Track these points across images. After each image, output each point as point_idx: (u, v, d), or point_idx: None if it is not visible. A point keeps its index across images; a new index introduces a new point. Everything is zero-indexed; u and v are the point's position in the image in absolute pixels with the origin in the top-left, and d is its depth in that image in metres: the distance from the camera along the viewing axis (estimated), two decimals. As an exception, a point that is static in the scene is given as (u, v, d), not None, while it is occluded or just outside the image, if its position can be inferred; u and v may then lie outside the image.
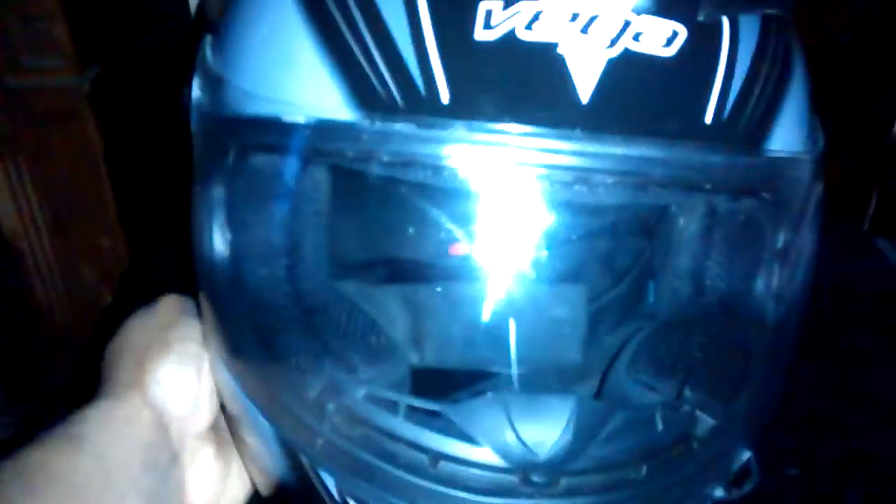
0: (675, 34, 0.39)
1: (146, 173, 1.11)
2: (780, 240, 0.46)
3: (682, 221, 0.52)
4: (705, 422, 0.46)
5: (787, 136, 0.43)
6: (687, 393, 0.48)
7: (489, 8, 0.38)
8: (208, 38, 0.47)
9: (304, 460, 0.43)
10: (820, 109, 0.47)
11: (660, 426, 0.44)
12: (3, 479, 0.40)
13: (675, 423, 0.45)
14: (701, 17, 0.40)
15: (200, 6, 1.21)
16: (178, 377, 0.46)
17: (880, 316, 0.80)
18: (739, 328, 0.49)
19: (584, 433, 0.42)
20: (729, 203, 0.50)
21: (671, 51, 0.39)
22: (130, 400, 0.45)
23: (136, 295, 0.74)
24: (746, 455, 0.46)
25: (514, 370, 0.48)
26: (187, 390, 0.47)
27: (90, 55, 0.93)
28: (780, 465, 0.63)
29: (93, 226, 1.03)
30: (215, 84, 0.43)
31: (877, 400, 0.72)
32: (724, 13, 0.41)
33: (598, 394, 0.51)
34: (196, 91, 0.45)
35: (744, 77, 0.40)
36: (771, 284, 0.47)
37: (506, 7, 0.38)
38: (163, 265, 0.77)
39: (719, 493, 0.45)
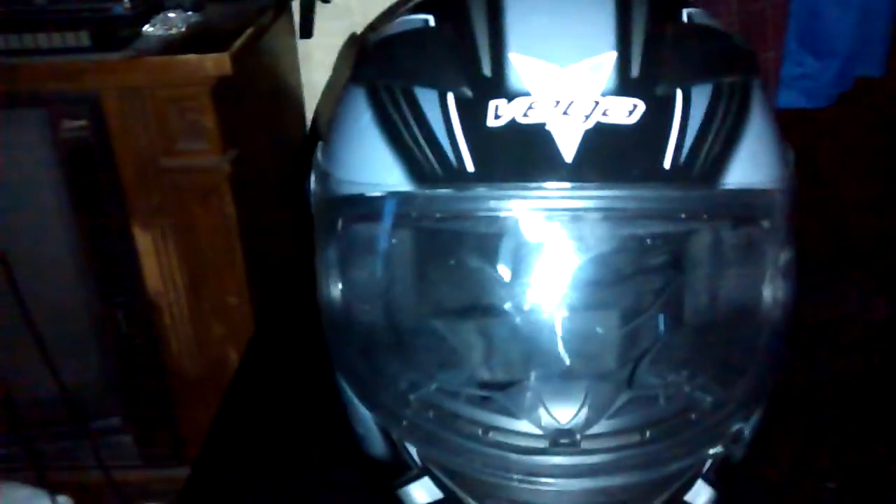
0: (635, 107, 0.53)
1: (273, 239, 1.29)
2: (766, 254, 0.59)
3: (689, 250, 0.64)
4: (703, 400, 0.59)
5: (744, 172, 0.55)
6: (690, 379, 0.61)
7: (497, 104, 0.53)
8: (320, 144, 0.65)
9: (395, 436, 0.59)
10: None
11: (661, 402, 0.58)
12: None
13: (676, 401, 0.59)
14: (658, 92, 0.54)
15: (314, 120, 1.43)
16: None
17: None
18: (735, 329, 0.61)
19: (597, 407, 0.56)
20: (727, 231, 0.62)
21: (633, 119, 0.53)
22: None
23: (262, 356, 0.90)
24: (739, 425, 0.58)
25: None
26: None
27: (230, 140, 1.10)
28: (818, 479, 0.71)
29: (224, 286, 1.18)
30: (323, 177, 0.61)
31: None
32: (678, 88, 0.54)
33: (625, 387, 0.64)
34: (312, 183, 0.63)
35: (696, 132, 0.54)
36: (759, 292, 0.59)
37: (508, 102, 0.53)
38: (279, 333, 0.94)
39: (717, 450, 0.57)
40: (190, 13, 1.15)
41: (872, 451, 0.75)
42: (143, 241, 1.14)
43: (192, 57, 1.05)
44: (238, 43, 1.09)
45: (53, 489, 1.23)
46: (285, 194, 1.34)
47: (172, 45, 1.08)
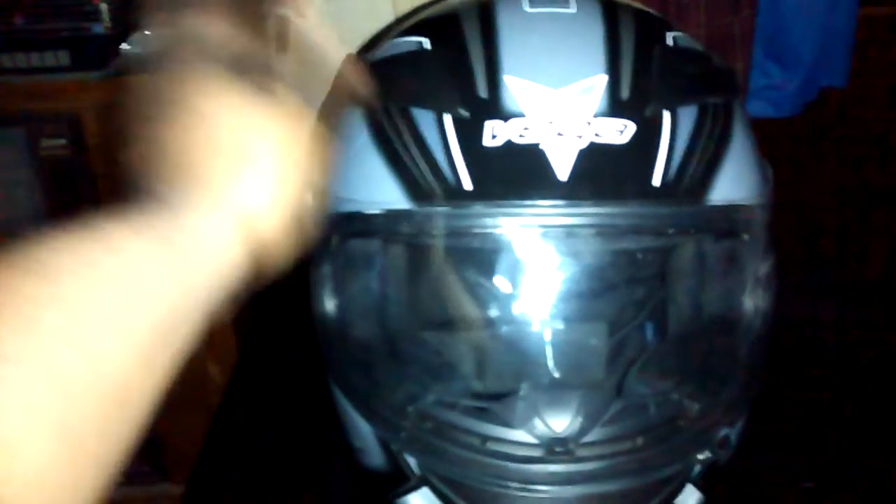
0: (625, 127, 0.55)
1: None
2: (746, 267, 0.62)
3: (676, 264, 0.67)
4: (691, 407, 0.61)
5: (728, 188, 0.58)
6: (678, 387, 0.63)
7: (493, 125, 0.55)
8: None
9: (394, 448, 0.60)
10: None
11: (652, 410, 0.60)
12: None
13: (665, 408, 0.61)
14: (646, 114, 0.56)
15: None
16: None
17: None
18: (719, 338, 0.64)
19: (590, 416, 0.58)
20: (712, 245, 0.65)
21: (624, 139, 0.55)
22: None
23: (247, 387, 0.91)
24: (725, 431, 0.60)
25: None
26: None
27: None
28: (796, 479, 0.74)
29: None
30: (320, 194, 0.62)
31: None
32: (665, 109, 0.57)
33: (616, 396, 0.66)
34: (309, 199, 0.64)
35: (683, 151, 0.56)
36: (742, 302, 0.62)
37: (504, 123, 0.55)
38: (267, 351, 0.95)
39: (705, 455, 0.59)
40: (169, 32, 1.15)
41: (849, 452, 0.78)
42: (124, 258, 1.14)
43: (172, 75, 1.05)
44: (218, 60, 1.10)
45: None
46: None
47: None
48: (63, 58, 1.04)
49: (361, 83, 0.63)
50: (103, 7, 1.05)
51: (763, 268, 0.62)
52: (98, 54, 1.06)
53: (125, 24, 1.11)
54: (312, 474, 0.77)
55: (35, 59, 1.04)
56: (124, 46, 1.10)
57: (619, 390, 0.62)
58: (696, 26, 1.23)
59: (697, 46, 0.64)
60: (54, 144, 1.08)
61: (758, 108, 1.34)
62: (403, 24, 0.67)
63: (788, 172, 1.33)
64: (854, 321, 0.95)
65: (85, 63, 1.05)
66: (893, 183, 1.47)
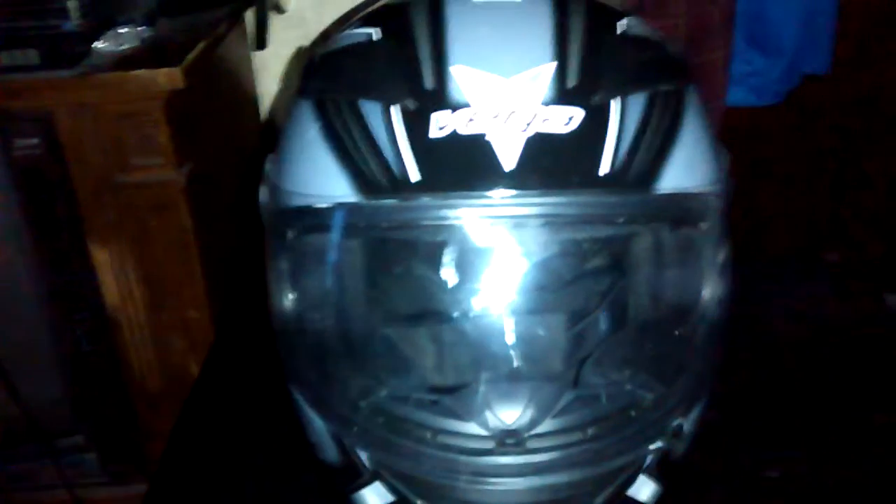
0: (572, 116, 0.55)
1: (231, 251, 1.29)
2: (701, 256, 0.61)
3: (628, 253, 0.66)
4: (644, 397, 0.61)
5: (678, 177, 0.57)
6: (632, 377, 0.63)
7: (439, 116, 0.55)
8: (270, 157, 0.66)
9: (346, 443, 0.60)
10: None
11: (604, 401, 0.60)
12: None
13: (618, 399, 0.61)
14: (594, 102, 0.56)
15: (265, 131, 1.42)
16: None
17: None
18: (674, 327, 0.63)
19: (541, 408, 0.58)
20: (665, 234, 0.64)
21: (571, 128, 0.55)
22: None
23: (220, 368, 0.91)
24: (678, 421, 0.60)
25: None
26: None
27: (185, 154, 1.09)
28: (760, 468, 0.73)
29: (183, 300, 1.16)
30: (273, 189, 0.62)
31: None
32: (614, 97, 0.56)
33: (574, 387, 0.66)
34: (263, 195, 0.64)
35: (631, 139, 0.56)
36: (698, 291, 0.62)
37: (452, 113, 0.55)
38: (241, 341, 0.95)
39: (657, 445, 0.59)
40: (142, 28, 1.14)
41: (812, 441, 0.77)
42: (101, 257, 1.14)
43: (143, 72, 1.05)
44: (191, 56, 1.09)
45: (17, 510, 1.22)
46: (242, 206, 1.35)
47: (124, 61, 1.08)
48: (33, 56, 1.03)
49: (311, 76, 0.63)
50: (72, 4, 1.05)
51: (718, 256, 0.61)
52: (69, 52, 1.06)
53: (96, 21, 1.11)
54: (276, 470, 0.76)
55: (5, 58, 1.03)
56: (96, 44, 1.10)
57: (571, 381, 0.62)
58: (675, 15, 1.23)
59: (651, 34, 0.63)
60: (27, 144, 1.08)
61: (739, 95, 1.34)
62: (357, 15, 0.67)
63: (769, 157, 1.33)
64: (820, 308, 0.95)
65: (56, 61, 1.04)
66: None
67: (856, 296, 0.98)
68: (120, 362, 1.20)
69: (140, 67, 1.05)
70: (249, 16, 1.37)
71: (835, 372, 0.86)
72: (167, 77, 1.05)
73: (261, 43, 1.36)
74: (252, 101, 1.46)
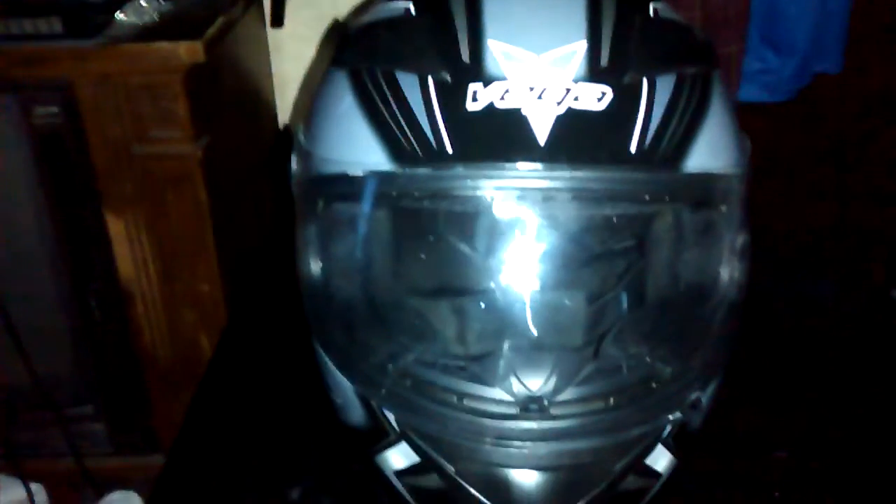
0: (604, 94, 0.56)
1: (244, 228, 1.31)
2: (722, 237, 0.63)
3: (652, 230, 0.68)
4: (663, 370, 0.63)
5: (704, 158, 0.59)
6: (652, 351, 0.64)
7: (475, 89, 0.57)
8: (300, 126, 0.67)
9: (374, 404, 0.62)
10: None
11: (625, 372, 0.62)
12: None
13: (638, 371, 0.62)
14: (625, 81, 0.58)
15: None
16: None
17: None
18: (692, 306, 0.65)
19: (564, 377, 0.60)
20: (687, 213, 0.66)
21: (602, 105, 0.56)
22: None
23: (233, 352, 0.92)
24: (696, 394, 0.62)
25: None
26: None
27: (202, 127, 1.10)
28: (768, 448, 0.76)
29: (195, 273, 1.18)
30: (305, 157, 0.63)
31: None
32: (644, 77, 0.58)
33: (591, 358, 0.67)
34: (294, 164, 0.65)
35: (660, 119, 0.57)
36: (716, 271, 0.63)
37: (486, 87, 0.56)
38: (251, 325, 0.96)
39: (675, 416, 0.61)
40: (162, 1, 1.15)
41: (821, 424, 0.79)
42: (116, 228, 1.15)
43: (164, 44, 1.06)
44: (211, 31, 1.10)
45: (26, 477, 1.23)
46: (257, 182, 1.36)
47: (145, 33, 1.09)
48: (56, 24, 1.04)
49: (346, 47, 0.64)
50: (97, -26, 1.06)
51: (739, 238, 0.63)
52: (91, 22, 1.07)
53: (119, -7, 1.12)
54: (295, 437, 0.78)
55: (28, 25, 1.04)
56: (118, 14, 1.11)
57: (594, 353, 0.64)
58: (690, 8, 1.24)
59: (679, 18, 0.65)
60: (47, 112, 1.09)
61: (752, 92, 1.36)
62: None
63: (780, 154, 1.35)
64: (835, 294, 0.97)
65: (78, 30, 1.05)
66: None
67: (863, 290, 1.00)
68: (131, 334, 1.21)
69: (161, 40, 1.06)
70: (266, -7, 1.38)
71: (841, 359, 0.88)
72: (188, 50, 1.06)
73: (277, 20, 1.37)
74: (267, 79, 1.47)
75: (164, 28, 1.10)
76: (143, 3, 1.14)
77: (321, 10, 1.42)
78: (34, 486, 1.25)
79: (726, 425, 0.73)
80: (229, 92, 1.27)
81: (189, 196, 1.14)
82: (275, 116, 1.50)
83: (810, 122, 1.47)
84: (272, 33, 1.43)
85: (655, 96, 0.58)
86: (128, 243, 1.15)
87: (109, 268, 1.17)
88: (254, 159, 1.38)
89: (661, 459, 0.62)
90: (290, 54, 1.46)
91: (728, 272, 0.63)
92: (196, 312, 1.21)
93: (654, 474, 0.62)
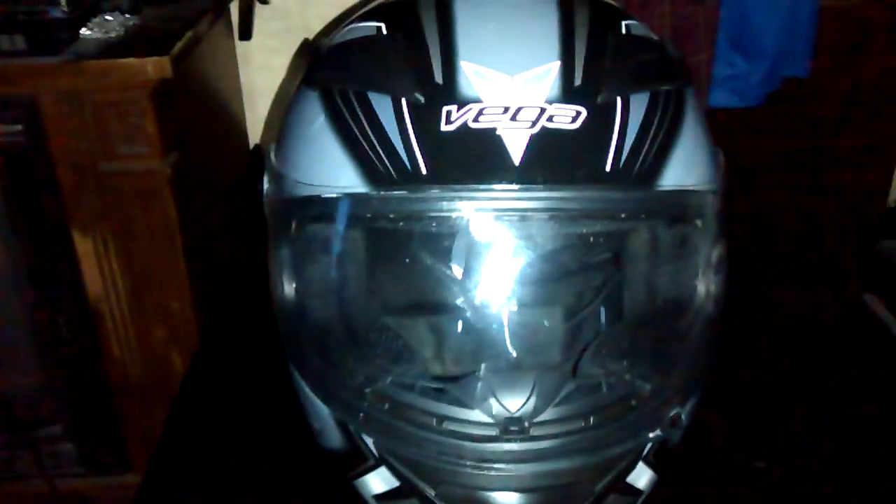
0: (578, 114, 0.56)
1: (215, 243, 1.29)
2: (698, 252, 0.63)
3: (629, 248, 0.68)
4: (643, 387, 0.63)
5: (678, 174, 0.59)
6: (631, 368, 0.64)
7: (449, 109, 0.56)
8: (272, 146, 0.66)
9: (352, 429, 0.61)
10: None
11: (605, 390, 0.61)
12: None
13: (618, 389, 0.62)
14: (599, 100, 0.57)
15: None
16: None
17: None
18: (671, 321, 0.65)
19: (544, 397, 0.59)
20: (664, 230, 0.66)
21: (576, 125, 0.56)
22: None
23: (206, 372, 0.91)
24: (676, 410, 0.62)
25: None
26: None
27: (171, 143, 1.09)
28: (748, 458, 0.75)
29: (166, 290, 1.16)
30: (277, 178, 0.63)
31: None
32: (618, 96, 0.58)
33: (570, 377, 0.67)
34: (266, 185, 0.65)
35: (634, 137, 0.57)
36: (694, 286, 0.64)
37: (459, 109, 0.56)
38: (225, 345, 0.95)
39: (656, 433, 0.61)
40: (128, 16, 1.14)
41: (799, 433, 0.80)
42: (83, 246, 1.13)
43: (132, 60, 1.04)
44: (178, 45, 1.09)
45: (-4, 500, 1.21)
46: (227, 197, 1.34)
47: (111, 49, 1.07)
48: (19, 42, 1.02)
49: (318, 67, 0.63)
50: (60, -9, 1.04)
51: (715, 253, 0.63)
52: (55, 38, 1.05)
53: (83, 8, 1.10)
54: (272, 460, 0.77)
55: (-10, 42, 1.02)
56: (83, 30, 1.09)
57: (573, 371, 0.64)
58: (660, 16, 1.25)
59: (651, 35, 0.65)
60: (11, 130, 1.07)
61: (722, 97, 1.37)
62: (361, 10, 0.68)
63: (748, 159, 1.37)
64: (809, 302, 0.97)
65: (42, 47, 1.04)
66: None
67: (836, 295, 1.01)
68: (101, 352, 1.19)
69: (127, 56, 1.05)
70: (233, 6, 1.37)
71: (817, 366, 0.88)
72: (155, 66, 1.04)
73: (246, 33, 1.35)
74: (236, 91, 1.45)
75: (131, 43, 1.09)
76: (109, 18, 1.12)
77: (289, 21, 1.41)
78: (4, 510, 1.23)
79: (705, 435, 0.73)
80: (198, 106, 1.26)
81: (158, 213, 1.12)
82: (244, 129, 1.49)
83: (779, 127, 1.49)
84: (240, 45, 1.42)
85: (629, 115, 0.58)
86: (96, 261, 1.14)
87: (77, 286, 1.15)
88: (224, 174, 1.36)
89: (642, 477, 0.62)
90: (259, 65, 1.45)
91: (705, 286, 0.63)
92: (166, 330, 1.20)
93: (636, 492, 0.62)
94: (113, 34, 1.10)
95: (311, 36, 1.35)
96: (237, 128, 1.47)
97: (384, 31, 0.62)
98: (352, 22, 0.66)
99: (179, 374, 1.18)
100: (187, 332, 1.18)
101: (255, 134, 1.50)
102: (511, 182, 0.55)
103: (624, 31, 0.63)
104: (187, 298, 1.17)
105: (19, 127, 1.06)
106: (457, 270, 0.63)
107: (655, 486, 0.63)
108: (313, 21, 1.38)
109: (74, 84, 1.05)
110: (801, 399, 0.84)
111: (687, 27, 1.25)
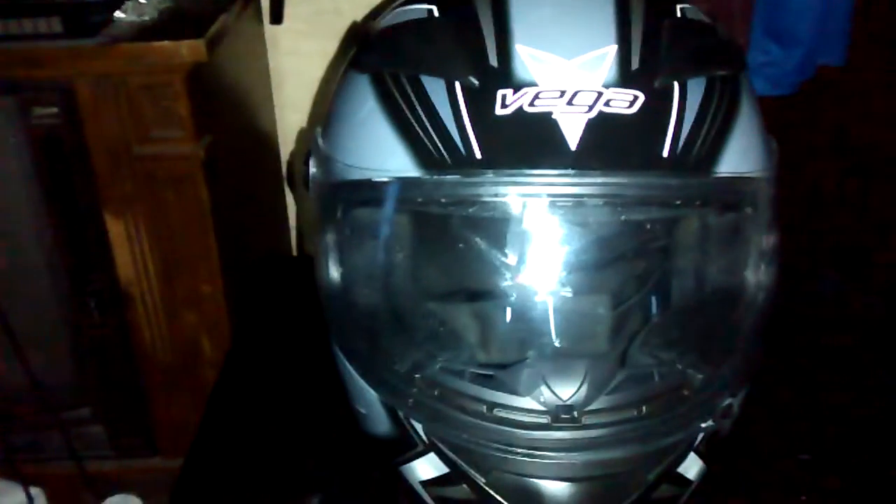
0: (635, 98, 0.56)
1: (248, 227, 1.29)
2: (751, 240, 0.62)
3: (681, 235, 0.67)
4: (694, 377, 0.62)
5: (735, 161, 0.58)
6: (682, 358, 0.64)
7: (504, 93, 0.55)
8: (318, 129, 0.66)
9: (400, 414, 0.60)
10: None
11: (656, 380, 0.61)
12: None
13: (669, 378, 0.62)
14: (656, 85, 0.57)
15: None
16: None
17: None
18: (722, 310, 0.64)
19: (596, 385, 0.59)
20: (714, 217, 0.65)
21: (633, 110, 0.55)
22: None
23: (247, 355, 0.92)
24: (728, 400, 0.61)
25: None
26: None
27: (204, 127, 1.08)
28: (793, 450, 0.75)
29: (197, 274, 1.15)
30: (325, 162, 0.62)
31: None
32: (675, 80, 0.57)
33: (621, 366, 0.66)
34: (313, 168, 0.64)
35: (692, 123, 0.56)
36: (746, 275, 0.63)
37: (515, 92, 0.55)
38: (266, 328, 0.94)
39: (708, 424, 0.60)
40: (161, -1, 1.13)
41: (844, 427, 0.79)
42: (116, 229, 1.13)
43: (167, 43, 1.04)
44: (213, 29, 1.08)
45: (25, 481, 1.22)
46: (262, 181, 1.34)
47: (146, 32, 1.06)
48: (55, 24, 1.02)
49: (368, 50, 0.63)
50: (96, -27, 1.04)
51: (767, 241, 0.62)
52: (90, 21, 1.05)
53: (117, -10, 1.10)
54: (312, 446, 0.76)
55: (27, 25, 1.02)
56: (117, 13, 1.08)
57: (623, 360, 0.63)
58: (697, 3, 1.24)
59: (705, 18, 0.64)
60: (46, 113, 1.07)
61: (756, 85, 1.35)
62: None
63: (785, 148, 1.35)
64: (856, 296, 0.96)
65: (77, 30, 1.03)
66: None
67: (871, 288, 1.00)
68: (131, 336, 1.19)
69: (161, 38, 1.04)
70: (263, -10, 1.36)
71: (861, 360, 0.88)
72: (190, 49, 1.04)
73: (277, 17, 1.35)
74: (265, 76, 1.45)
75: (165, 26, 1.08)
76: (143, 1, 1.12)
77: (319, 5, 1.40)
78: (34, 490, 1.23)
79: (750, 426, 0.72)
80: (230, 90, 1.25)
81: (190, 196, 1.11)
82: (273, 114, 1.48)
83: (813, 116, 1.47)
84: (269, 28, 1.41)
85: (687, 100, 0.57)
86: (128, 244, 1.13)
87: (109, 269, 1.15)
88: (255, 158, 1.35)
89: (692, 467, 0.61)
90: (287, 49, 1.44)
91: (758, 274, 0.62)
92: (197, 314, 1.19)
93: (686, 482, 0.62)
94: (147, 17, 1.10)
95: (342, 19, 1.34)
96: (267, 112, 1.46)
97: (435, 14, 0.61)
98: (400, 5, 0.65)
99: (209, 359, 1.19)
100: (218, 318, 1.18)
101: (282, 119, 1.50)
102: (567, 168, 0.54)
103: (679, 14, 0.62)
104: (218, 283, 1.17)
105: (55, 110, 1.06)
106: (509, 257, 0.62)
107: (704, 476, 0.63)
108: (344, 5, 1.37)
109: (109, 67, 1.04)
110: (850, 394, 0.83)
111: (722, 14, 1.23)
